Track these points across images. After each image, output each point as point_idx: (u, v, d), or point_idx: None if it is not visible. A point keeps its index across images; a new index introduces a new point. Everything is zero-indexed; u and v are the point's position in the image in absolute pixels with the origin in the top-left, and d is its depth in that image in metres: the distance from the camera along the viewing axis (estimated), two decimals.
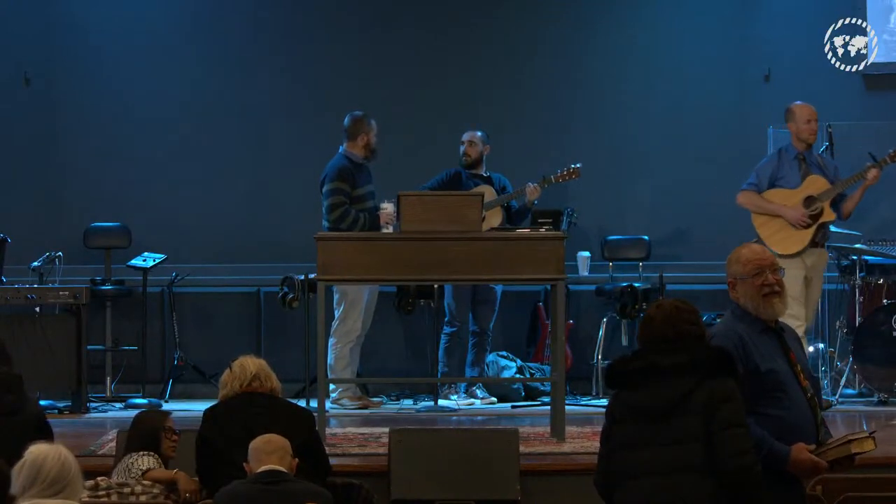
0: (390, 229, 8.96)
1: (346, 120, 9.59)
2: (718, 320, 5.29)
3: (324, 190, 9.41)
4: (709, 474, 4.56)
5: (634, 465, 4.66)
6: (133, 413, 6.69)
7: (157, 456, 5.99)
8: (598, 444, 7.30)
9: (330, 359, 9.28)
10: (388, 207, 9.10)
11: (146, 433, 6.07)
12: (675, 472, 4.57)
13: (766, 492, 4.65)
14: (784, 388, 4.99)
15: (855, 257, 9.72)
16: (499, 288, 9.86)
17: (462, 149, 9.95)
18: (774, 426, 4.91)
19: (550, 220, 8.51)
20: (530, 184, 9.72)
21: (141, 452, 5.98)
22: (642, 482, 4.63)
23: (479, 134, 9.97)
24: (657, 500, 4.60)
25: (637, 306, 9.98)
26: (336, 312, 9.44)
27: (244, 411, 5.76)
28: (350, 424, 8.54)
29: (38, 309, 9.42)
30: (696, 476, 4.56)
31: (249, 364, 5.93)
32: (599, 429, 8.00)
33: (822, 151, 9.35)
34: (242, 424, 5.68)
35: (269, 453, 5.32)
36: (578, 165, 9.77)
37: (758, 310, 5.08)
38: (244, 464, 5.38)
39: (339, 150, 9.56)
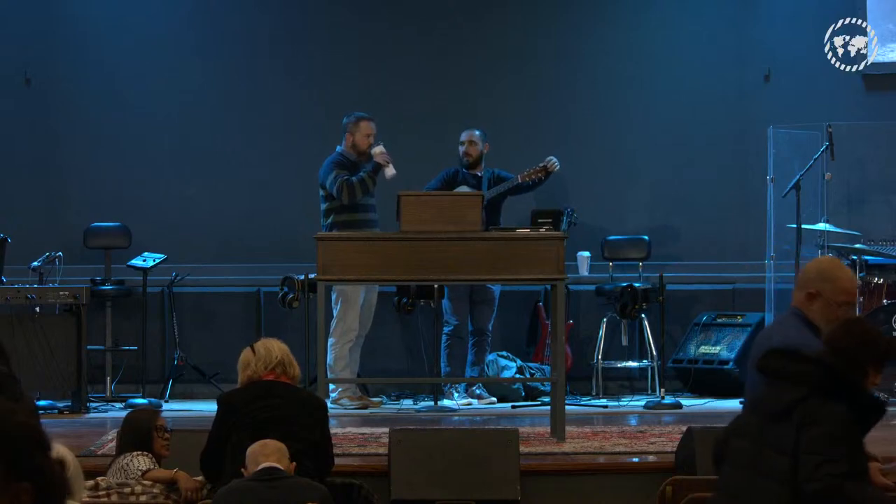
0: (391, 168, 9.24)
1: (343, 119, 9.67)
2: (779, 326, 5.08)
3: (327, 182, 9.42)
4: (788, 484, 4.44)
5: (730, 451, 4.60)
6: None
7: (150, 455, 5.98)
8: (598, 444, 7.39)
9: (329, 359, 9.27)
10: (378, 148, 9.26)
11: (138, 432, 6.06)
12: (757, 473, 4.48)
13: None
14: None
15: (855, 257, 9.71)
16: (497, 288, 9.85)
17: (462, 149, 9.95)
18: None
19: (550, 220, 8.51)
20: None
21: (135, 453, 5.97)
22: (731, 472, 4.55)
23: (477, 133, 9.96)
24: (732, 491, 4.52)
25: (637, 306, 9.97)
26: (334, 312, 9.44)
27: (262, 401, 5.73)
28: (350, 424, 8.52)
29: (38, 309, 9.40)
30: (775, 483, 4.45)
31: (274, 348, 5.89)
32: (599, 429, 8.08)
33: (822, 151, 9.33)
34: (258, 416, 5.65)
35: (266, 455, 5.31)
36: (553, 160, 9.73)
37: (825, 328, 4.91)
38: (241, 469, 5.37)
39: (337, 149, 9.61)
